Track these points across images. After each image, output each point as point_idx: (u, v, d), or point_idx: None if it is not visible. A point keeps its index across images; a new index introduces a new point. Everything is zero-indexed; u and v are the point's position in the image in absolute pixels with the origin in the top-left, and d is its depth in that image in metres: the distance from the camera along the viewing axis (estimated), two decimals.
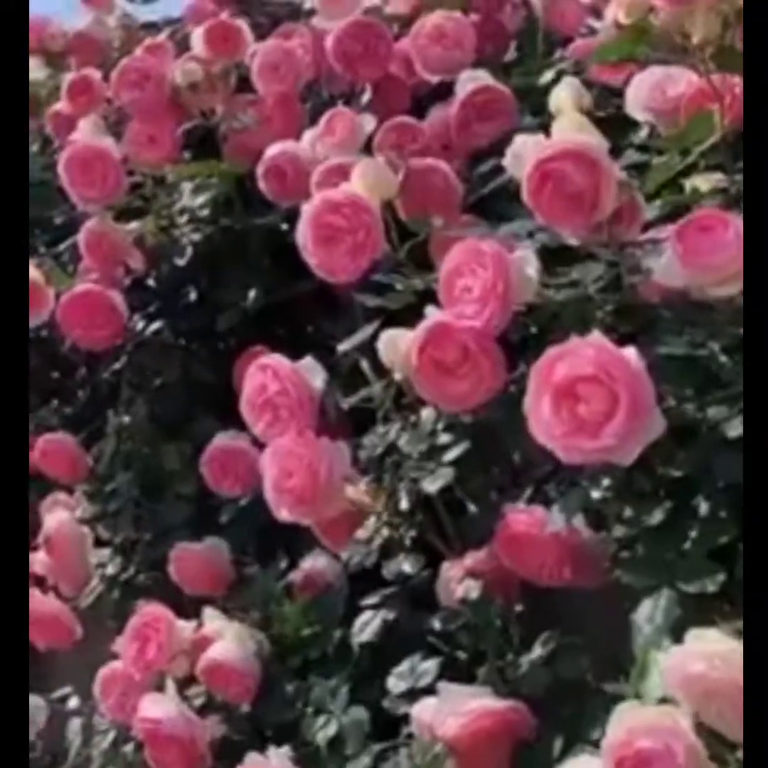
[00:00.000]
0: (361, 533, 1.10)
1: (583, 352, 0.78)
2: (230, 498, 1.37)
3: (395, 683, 1.07)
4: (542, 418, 0.80)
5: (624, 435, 0.77)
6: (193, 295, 1.51)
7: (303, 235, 1.04)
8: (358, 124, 1.22)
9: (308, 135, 1.31)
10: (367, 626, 1.13)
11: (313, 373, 1.07)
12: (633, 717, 0.68)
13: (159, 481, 1.46)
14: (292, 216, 1.17)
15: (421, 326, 0.94)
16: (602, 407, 0.78)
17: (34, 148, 1.86)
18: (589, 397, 0.78)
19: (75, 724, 1.39)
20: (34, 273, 1.48)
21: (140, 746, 1.26)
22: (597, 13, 1.50)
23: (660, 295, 0.92)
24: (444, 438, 1.05)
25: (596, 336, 0.80)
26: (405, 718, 1.05)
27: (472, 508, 1.14)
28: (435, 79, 1.37)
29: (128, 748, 1.31)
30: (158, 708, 1.13)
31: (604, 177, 0.85)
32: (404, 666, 1.08)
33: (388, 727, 1.08)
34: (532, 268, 0.92)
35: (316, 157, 1.26)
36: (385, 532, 1.08)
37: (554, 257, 1.00)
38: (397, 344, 0.97)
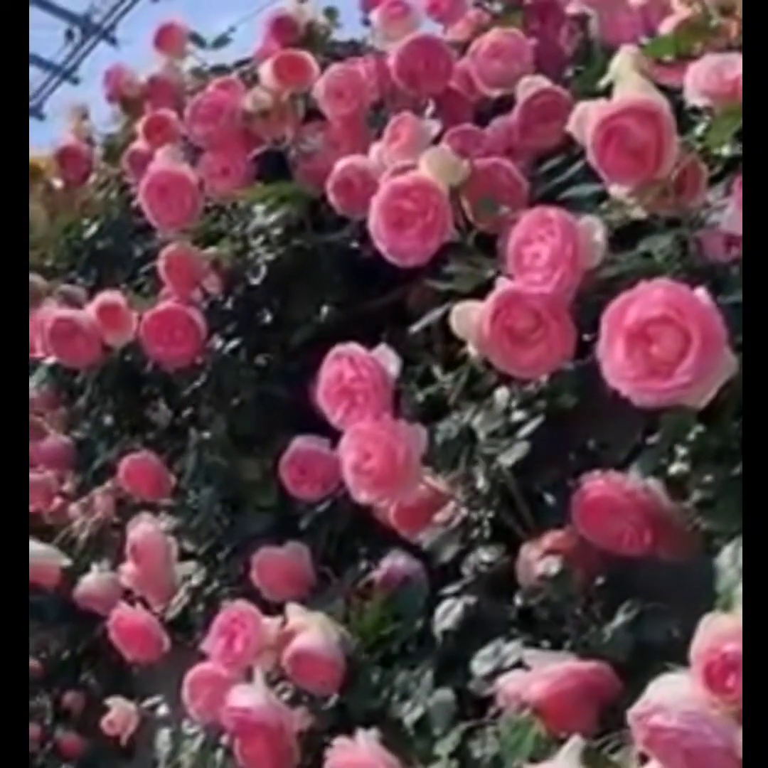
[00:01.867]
0: (440, 517, 1.11)
1: (653, 294, 0.80)
2: (309, 505, 1.39)
3: (480, 665, 1.08)
4: (615, 363, 0.81)
5: (698, 372, 0.78)
6: (268, 316, 1.56)
7: (374, 221, 1.07)
8: (422, 129, 1.24)
9: (375, 148, 1.35)
10: (448, 613, 1.13)
11: (387, 359, 1.10)
12: (719, 624, 0.69)
13: (239, 494, 1.49)
14: (363, 232, 1.21)
15: (492, 296, 0.96)
16: (675, 346, 0.78)
17: (113, 193, 1.95)
18: (660, 338, 0.79)
19: (164, 735, 1.41)
20: (117, 297, 1.54)
21: (229, 752, 1.27)
22: (651, 31, 1.54)
23: (726, 256, 0.94)
24: (518, 415, 1.07)
25: (664, 280, 0.81)
26: (490, 700, 1.05)
27: (549, 498, 1.15)
28: (495, 93, 1.41)
29: (218, 754, 1.33)
30: (247, 697, 1.14)
31: (665, 130, 0.87)
32: (488, 649, 1.08)
33: (473, 709, 1.08)
34: (599, 233, 0.94)
35: (383, 167, 1.29)
36: (464, 511, 1.09)
37: (623, 237, 1.03)
38: (469, 316, 0.99)
